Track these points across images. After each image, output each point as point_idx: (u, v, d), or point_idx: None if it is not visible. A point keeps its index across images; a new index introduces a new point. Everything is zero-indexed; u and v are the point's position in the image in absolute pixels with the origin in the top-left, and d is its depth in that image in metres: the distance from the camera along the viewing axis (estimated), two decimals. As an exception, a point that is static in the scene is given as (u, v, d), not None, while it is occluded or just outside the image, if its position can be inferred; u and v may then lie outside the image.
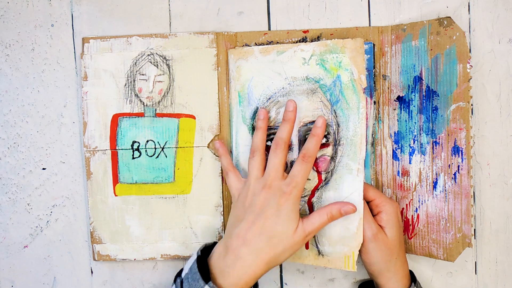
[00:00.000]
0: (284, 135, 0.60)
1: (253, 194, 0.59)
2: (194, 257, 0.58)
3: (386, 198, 0.61)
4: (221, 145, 0.65)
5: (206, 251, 0.60)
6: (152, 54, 0.67)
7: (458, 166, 0.62)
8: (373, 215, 0.61)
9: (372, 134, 0.65)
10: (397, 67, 0.64)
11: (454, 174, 0.62)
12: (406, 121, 0.64)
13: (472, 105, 0.66)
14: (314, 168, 0.62)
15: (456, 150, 0.62)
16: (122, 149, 0.67)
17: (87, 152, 0.67)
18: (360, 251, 0.61)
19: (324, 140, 0.62)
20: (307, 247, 0.63)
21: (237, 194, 0.61)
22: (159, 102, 0.67)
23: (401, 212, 0.65)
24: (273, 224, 0.56)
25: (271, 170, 0.59)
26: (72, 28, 0.68)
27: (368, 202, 0.62)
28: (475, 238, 0.67)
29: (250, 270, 0.56)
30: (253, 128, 0.65)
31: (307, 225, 0.58)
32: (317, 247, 0.62)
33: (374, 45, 0.65)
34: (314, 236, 0.62)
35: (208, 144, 0.67)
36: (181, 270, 0.59)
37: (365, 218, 0.60)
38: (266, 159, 0.61)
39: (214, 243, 0.61)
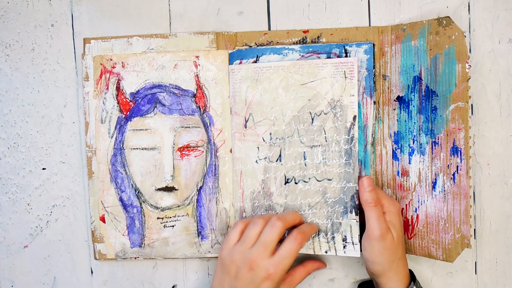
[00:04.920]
0: (289, 218, 0.60)
1: (238, 267, 0.58)
2: None
3: (389, 198, 0.62)
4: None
5: None
6: (152, 54, 0.67)
7: (457, 167, 0.62)
8: None
9: (372, 134, 0.65)
10: (396, 67, 0.64)
11: (453, 175, 0.62)
12: (405, 121, 0.64)
13: (472, 105, 0.66)
14: None
15: (455, 150, 0.62)
16: (122, 149, 0.68)
17: (89, 152, 0.67)
18: (364, 249, 0.61)
19: None
20: None
21: (221, 260, 0.60)
22: (159, 102, 0.67)
23: (401, 212, 0.65)
24: None
25: (261, 245, 0.58)
26: (72, 28, 0.68)
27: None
28: (475, 238, 0.67)
29: None
30: None
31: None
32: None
33: (374, 45, 0.65)
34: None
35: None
36: None
37: (377, 215, 0.59)
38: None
39: None
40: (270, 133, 0.65)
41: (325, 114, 0.64)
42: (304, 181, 0.64)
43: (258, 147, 0.65)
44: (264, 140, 0.65)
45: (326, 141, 0.64)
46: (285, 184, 0.65)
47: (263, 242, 0.58)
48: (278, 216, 0.60)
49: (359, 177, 0.63)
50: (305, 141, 0.64)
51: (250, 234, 0.59)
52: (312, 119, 0.64)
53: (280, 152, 0.65)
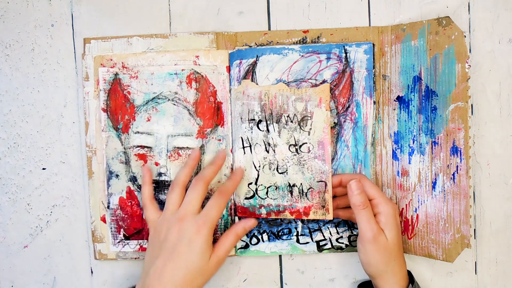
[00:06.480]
0: (207, 173, 0.62)
1: (167, 228, 0.60)
2: None
3: (385, 199, 0.61)
4: (147, 172, 0.65)
5: None
6: (152, 54, 0.67)
7: (457, 166, 0.62)
8: None
9: (372, 134, 0.65)
10: (396, 67, 0.64)
11: (453, 175, 0.62)
12: (405, 121, 0.64)
13: (472, 105, 0.66)
14: None
15: (454, 150, 0.62)
16: (122, 149, 0.68)
17: (89, 152, 0.67)
18: (359, 251, 0.61)
19: None
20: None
21: (153, 227, 0.62)
22: (159, 102, 0.67)
23: (401, 213, 0.65)
24: (187, 259, 0.58)
25: (187, 204, 0.60)
26: (72, 28, 0.68)
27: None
28: (475, 238, 0.67)
29: None
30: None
31: (219, 251, 0.61)
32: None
33: (374, 45, 0.65)
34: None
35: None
36: None
37: (367, 218, 0.59)
38: None
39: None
40: None
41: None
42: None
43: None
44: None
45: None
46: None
47: (188, 202, 0.60)
48: (197, 176, 0.62)
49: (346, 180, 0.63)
50: None
51: (173, 199, 0.61)
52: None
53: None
